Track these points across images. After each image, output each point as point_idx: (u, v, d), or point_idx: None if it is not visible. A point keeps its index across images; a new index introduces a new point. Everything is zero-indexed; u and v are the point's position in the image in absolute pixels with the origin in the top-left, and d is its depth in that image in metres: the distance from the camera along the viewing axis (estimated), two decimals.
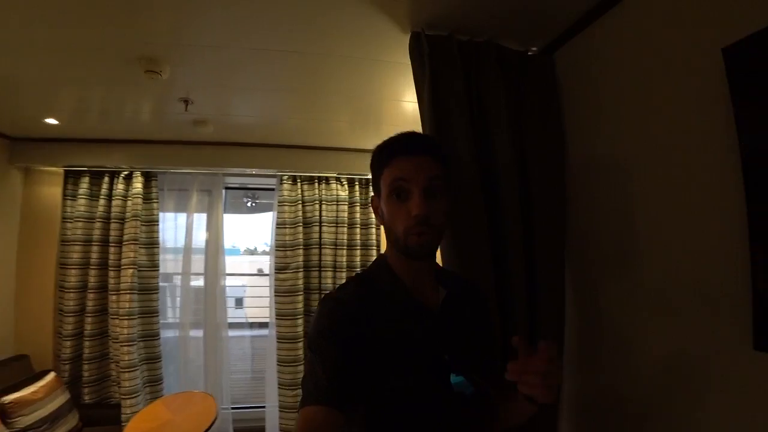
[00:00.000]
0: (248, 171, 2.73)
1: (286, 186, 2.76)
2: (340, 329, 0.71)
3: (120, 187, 2.56)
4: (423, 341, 0.76)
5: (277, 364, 2.64)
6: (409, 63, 1.30)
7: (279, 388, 2.63)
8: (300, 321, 2.68)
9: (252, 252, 8.98)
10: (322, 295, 2.65)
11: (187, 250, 2.75)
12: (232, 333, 3.01)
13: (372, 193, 0.87)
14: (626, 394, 1.11)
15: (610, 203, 1.18)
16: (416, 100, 1.76)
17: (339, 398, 0.64)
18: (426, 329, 0.78)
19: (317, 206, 2.81)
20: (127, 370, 2.40)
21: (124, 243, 2.51)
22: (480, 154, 1.25)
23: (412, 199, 0.73)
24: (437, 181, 0.76)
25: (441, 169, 0.78)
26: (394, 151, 0.78)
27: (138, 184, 2.57)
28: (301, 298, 2.70)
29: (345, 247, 2.80)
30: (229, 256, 2.88)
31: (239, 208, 4.34)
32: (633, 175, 1.10)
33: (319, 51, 1.46)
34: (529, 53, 1.42)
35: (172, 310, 2.86)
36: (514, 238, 1.23)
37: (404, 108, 2.01)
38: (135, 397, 2.39)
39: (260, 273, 6.96)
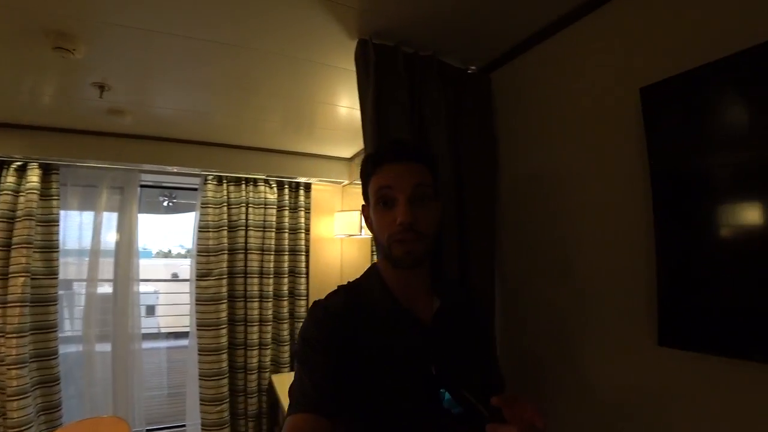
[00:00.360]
0: (169, 169, 2.52)
1: (210, 186, 2.59)
2: (326, 338, 0.71)
3: (10, 180, 2.20)
4: (410, 353, 0.75)
5: (199, 378, 2.46)
6: (351, 69, 1.30)
7: (201, 404, 2.44)
8: (224, 331, 2.52)
9: (166, 255, 8.30)
10: (247, 303, 2.62)
11: (94, 252, 2.44)
12: (145, 345, 2.75)
13: (363, 203, 0.86)
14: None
15: (538, 217, 1.30)
16: (353, 105, 1.79)
17: (326, 406, 0.64)
18: (414, 341, 0.76)
19: (244, 209, 2.68)
20: (16, 397, 2.04)
21: (13, 247, 2.15)
22: None
23: (398, 207, 0.73)
24: (424, 188, 0.75)
25: (429, 175, 0.78)
26: (380, 158, 0.78)
27: (34, 178, 2.21)
28: (225, 306, 2.55)
29: (273, 253, 2.70)
30: (141, 259, 2.63)
31: (154, 208, 4.00)
32: (558, 191, 1.23)
33: (258, 47, 1.40)
34: (469, 71, 1.50)
35: (72, 322, 2.52)
36: (452, 249, 1.29)
37: (339, 112, 2.00)
38: (26, 429, 2.05)
39: (176, 278, 6.45)
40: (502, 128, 1.46)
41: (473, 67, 1.51)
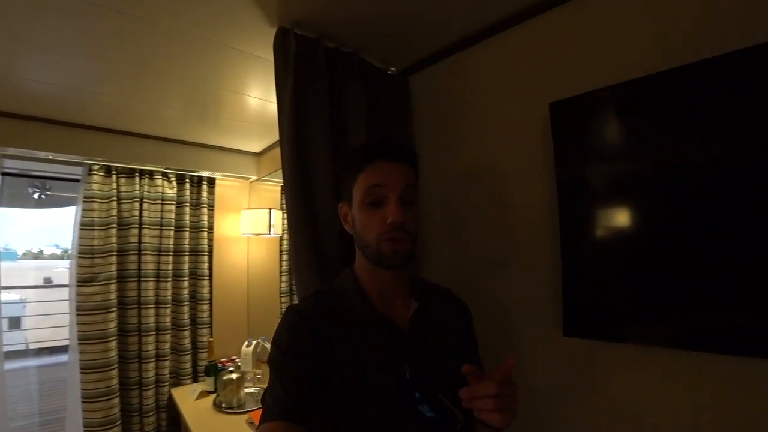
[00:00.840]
0: (41, 154, 2.11)
1: (96, 178, 2.23)
2: (299, 343, 0.70)
3: None
4: (385, 357, 0.74)
5: (83, 401, 2.10)
6: (267, 58, 1.22)
7: (86, 429, 2.08)
8: (113, 343, 2.19)
9: (36, 256, 7.12)
10: (141, 310, 2.32)
11: None
12: (9, 365, 2.28)
13: (341, 201, 0.84)
14: None
15: (459, 216, 1.35)
16: (266, 97, 1.67)
17: (300, 413, 0.64)
18: (389, 345, 0.75)
19: (137, 204, 2.35)
20: None
21: None
22: (335, 162, 1.25)
23: (388, 206, 0.73)
24: (412, 189, 0.76)
25: (415, 176, 0.79)
26: (370, 156, 0.76)
27: None
28: (114, 315, 2.22)
29: (171, 254, 2.42)
30: (2, 262, 2.17)
31: (21, 201, 3.37)
32: (475, 192, 1.29)
33: (155, 19, 1.20)
34: (389, 72, 1.50)
35: None
36: None
37: (249, 103, 1.85)
38: None
39: (49, 284, 5.52)
40: (421, 130, 1.48)
41: (393, 69, 1.51)
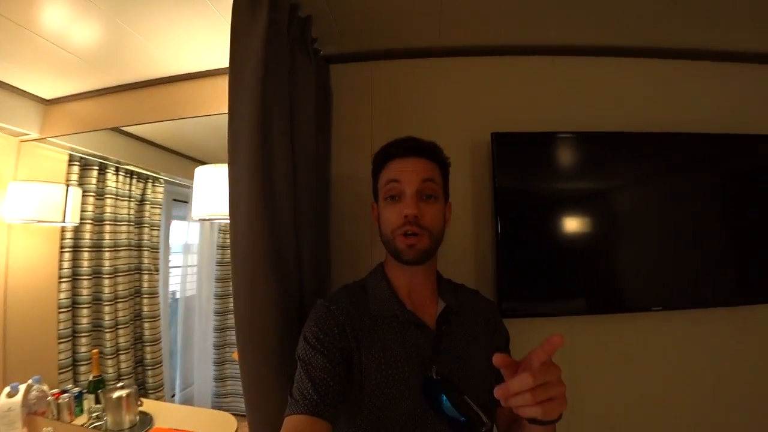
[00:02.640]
0: None
1: None
2: (327, 338, 0.70)
3: None
4: (412, 356, 0.73)
5: None
6: None
7: None
8: None
9: None
10: None
11: None
12: None
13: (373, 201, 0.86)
14: None
15: None
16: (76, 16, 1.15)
17: (325, 408, 0.63)
18: (417, 344, 0.75)
19: None
20: None
21: None
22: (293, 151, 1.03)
23: (404, 200, 0.74)
24: (433, 184, 0.76)
25: (438, 172, 0.80)
26: (389, 154, 0.79)
27: None
28: None
29: None
30: None
31: None
32: None
33: None
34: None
35: None
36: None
37: (41, 19, 1.16)
38: None
39: None
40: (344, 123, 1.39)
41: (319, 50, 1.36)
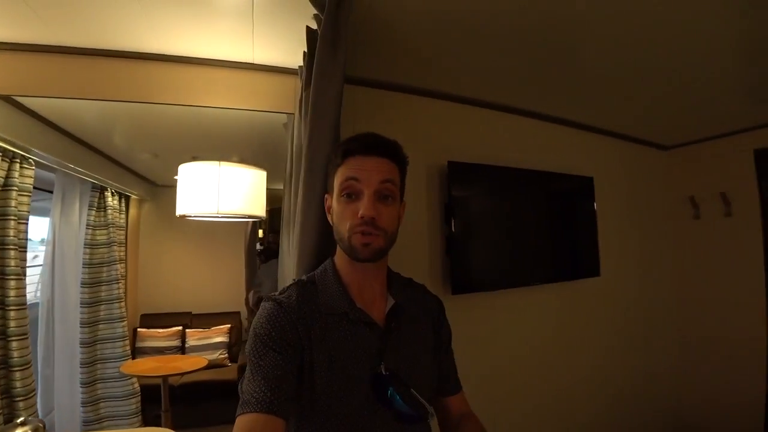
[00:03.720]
0: None
1: None
2: (278, 334, 0.69)
3: None
4: (362, 352, 0.74)
5: None
6: None
7: None
8: None
9: None
10: None
11: None
12: None
13: (326, 193, 0.84)
14: None
15: None
16: None
17: (279, 406, 0.63)
18: (367, 340, 0.75)
19: None
20: None
21: None
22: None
23: (362, 200, 0.73)
24: (390, 184, 0.75)
25: (396, 172, 0.78)
26: (349, 150, 0.76)
27: None
28: None
29: None
30: None
31: None
32: None
33: None
34: None
35: None
36: None
37: None
38: None
39: None
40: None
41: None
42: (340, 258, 0.81)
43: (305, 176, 1.03)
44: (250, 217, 1.47)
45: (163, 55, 1.33)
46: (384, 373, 0.73)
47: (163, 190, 3.02)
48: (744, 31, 1.30)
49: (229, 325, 3.10)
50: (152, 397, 2.27)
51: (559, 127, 2.18)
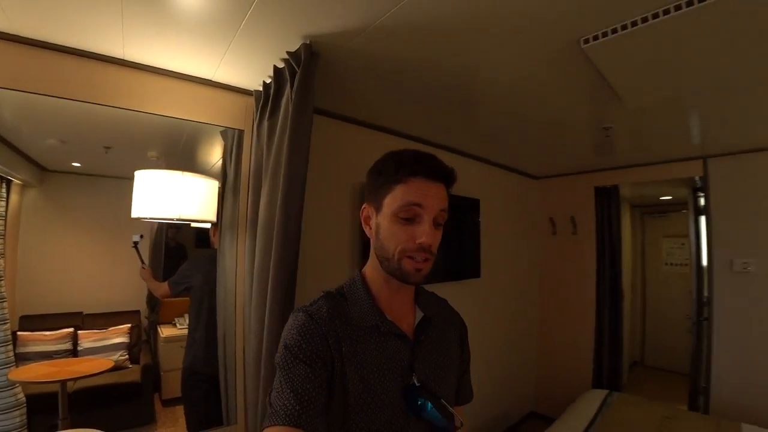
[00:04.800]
0: None
1: None
2: (310, 347, 0.68)
3: None
4: (394, 364, 0.74)
5: None
6: None
7: None
8: None
9: None
10: None
11: None
12: None
13: (365, 203, 0.81)
14: None
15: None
16: None
17: (307, 419, 0.62)
18: (398, 352, 0.75)
19: None
20: None
21: None
22: None
23: (421, 226, 0.72)
24: (445, 213, 0.75)
25: (448, 200, 0.77)
26: (414, 170, 0.73)
27: None
28: None
29: None
30: None
31: None
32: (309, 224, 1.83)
33: None
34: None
35: None
36: None
37: None
38: None
39: None
40: None
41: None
42: (373, 272, 0.79)
43: (285, 197, 1.21)
44: (204, 221, 1.57)
45: (122, 60, 1.35)
46: (416, 384, 0.73)
47: (55, 176, 2.72)
48: (591, 112, 1.87)
49: (129, 325, 2.94)
50: (41, 408, 2.10)
51: (457, 156, 2.64)
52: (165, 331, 1.80)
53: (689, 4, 0.99)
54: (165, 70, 1.41)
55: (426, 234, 0.71)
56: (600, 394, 2.65)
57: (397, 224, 0.73)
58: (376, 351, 0.74)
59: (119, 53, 1.31)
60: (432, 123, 2.11)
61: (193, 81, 1.47)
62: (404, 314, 0.81)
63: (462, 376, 0.91)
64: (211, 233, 1.69)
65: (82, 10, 1.08)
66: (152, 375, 1.84)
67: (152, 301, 2.83)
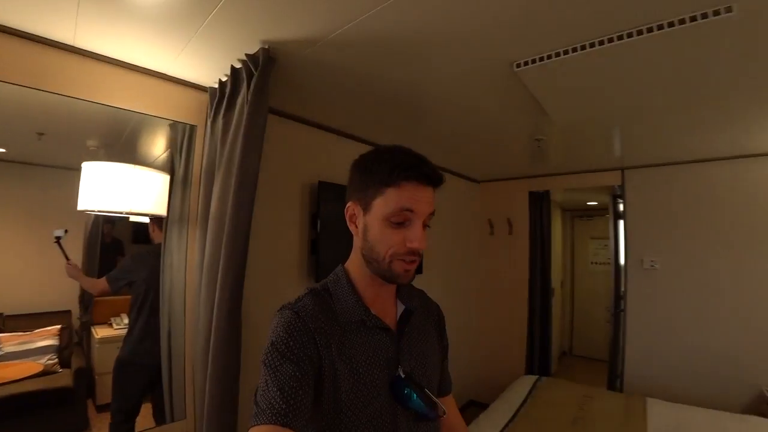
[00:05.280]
0: None
1: None
2: (297, 345, 0.69)
3: None
4: (380, 358, 0.76)
5: None
6: None
7: None
8: None
9: None
10: None
11: None
12: None
13: (350, 201, 0.81)
14: None
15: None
16: None
17: (293, 418, 0.62)
18: (384, 346, 0.77)
19: None
20: None
21: None
22: None
23: (412, 231, 0.73)
24: (432, 216, 0.77)
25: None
26: (407, 174, 0.72)
27: None
28: None
29: None
30: None
31: None
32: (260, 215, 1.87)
33: None
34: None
35: None
36: None
37: None
38: None
39: None
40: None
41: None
42: (357, 268, 0.80)
43: (237, 193, 1.26)
44: (155, 215, 1.55)
45: (71, 46, 1.30)
46: (402, 375, 0.75)
47: None
48: (525, 125, 2.07)
49: (58, 326, 2.77)
50: None
51: None
52: (100, 332, 1.71)
53: (610, 40, 1.17)
54: (118, 60, 1.38)
55: (418, 239, 0.72)
56: (531, 379, 2.91)
57: (388, 228, 0.73)
58: (363, 345, 0.75)
59: (69, 39, 1.27)
60: (382, 127, 2.21)
61: (148, 74, 1.46)
62: (387, 308, 0.83)
63: (442, 363, 0.93)
64: (151, 228, 1.66)
65: None
66: (86, 379, 1.70)
67: (85, 300, 2.67)
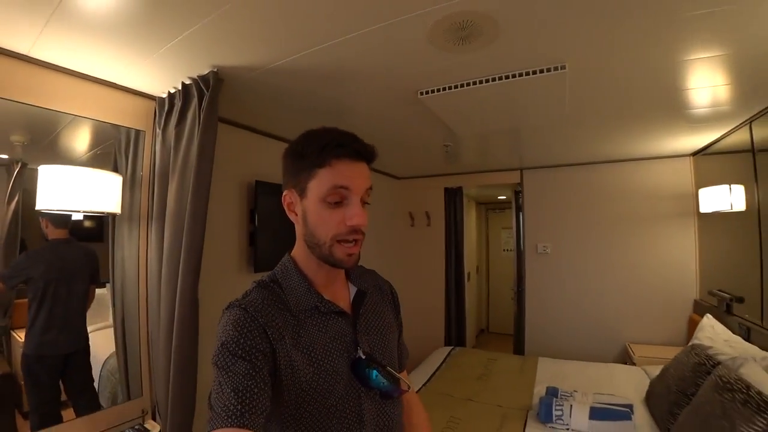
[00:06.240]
0: None
1: None
2: (248, 341, 0.66)
3: None
4: (338, 342, 0.75)
5: None
6: None
7: None
8: None
9: None
10: None
11: None
12: None
13: (286, 190, 0.78)
14: None
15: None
16: None
17: (250, 417, 0.60)
18: (340, 330, 0.76)
19: None
20: None
21: None
22: None
23: (351, 208, 0.71)
24: (370, 190, 0.75)
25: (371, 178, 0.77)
26: (337, 152, 0.71)
27: None
28: None
29: None
30: None
31: None
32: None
33: None
34: None
35: None
36: None
37: None
38: None
39: None
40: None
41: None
42: (303, 256, 0.79)
43: (194, 193, 1.48)
44: (110, 214, 1.67)
45: (29, 57, 1.37)
46: (362, 357, 0.75)
47: None
48: (434, 135, 2.49)
49: None
50: None
51: None
52: (23, 337, 1.61)
53: (488, 81, 1.59)
54: (69, 69, 1.48)
55: (357, 215, 0.70)
56: (447, 349, 3.42)
57: (326, 209, 0.71)
58: (319, 332, 0.74)
59: (25, 50, 1.33)
60: None
61: (97, 82, 1.58)
62: (339, 292, 0.82)
63: (399, 338, 0.94)
64: (44, 225, 1.64)
65: None
66: (10, 386, 1.56)
67: (3, 304, 2.53)
